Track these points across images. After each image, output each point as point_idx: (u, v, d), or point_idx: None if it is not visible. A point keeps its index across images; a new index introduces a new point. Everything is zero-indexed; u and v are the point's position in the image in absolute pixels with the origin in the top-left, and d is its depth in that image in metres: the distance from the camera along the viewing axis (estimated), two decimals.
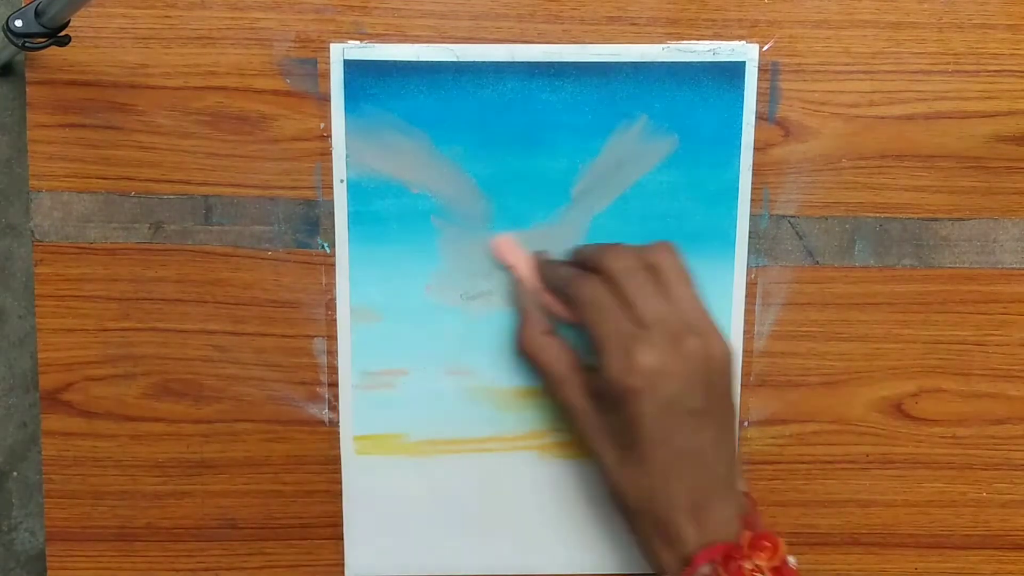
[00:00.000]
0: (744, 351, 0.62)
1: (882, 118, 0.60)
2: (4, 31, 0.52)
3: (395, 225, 0.60)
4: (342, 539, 0.63)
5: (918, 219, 0.61)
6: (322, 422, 0.62)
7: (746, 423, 0.62)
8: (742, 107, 0.59)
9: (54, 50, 0.53)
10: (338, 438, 0.62)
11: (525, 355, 0.58)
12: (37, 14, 0.51)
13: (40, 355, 0.61)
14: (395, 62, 0.59)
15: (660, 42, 0.59)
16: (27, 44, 0.52)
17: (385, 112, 0.59)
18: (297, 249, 0.60)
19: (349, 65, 0.59)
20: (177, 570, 0.63)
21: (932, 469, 0.63)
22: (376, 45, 0.59)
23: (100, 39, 0.58)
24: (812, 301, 0.62)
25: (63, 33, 0.53)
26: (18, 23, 0.52)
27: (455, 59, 0.59)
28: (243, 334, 0.61)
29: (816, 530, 0.64)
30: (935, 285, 0.62)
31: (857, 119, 0.60)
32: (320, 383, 0.62)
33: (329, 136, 0.59)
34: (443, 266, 0.61)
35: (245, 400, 0.62)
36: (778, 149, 0.60)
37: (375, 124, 0.59)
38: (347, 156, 0.59)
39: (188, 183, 0.60)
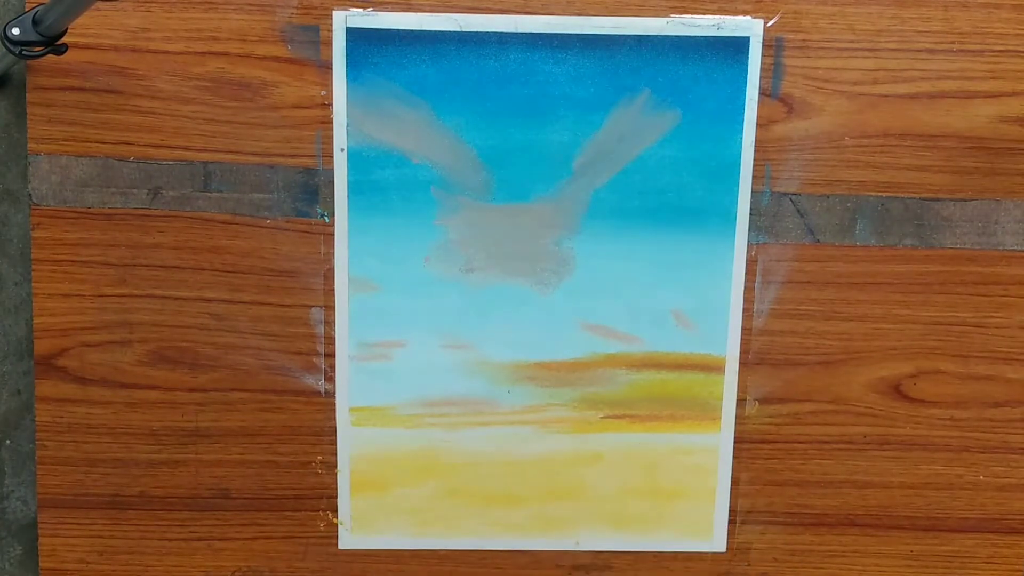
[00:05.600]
0: (743, 329, 0.62)
1: (885, 96, 0.60)
2: (2, 39, 0.51)
3: (395, 195, 0.60)
4: (336, 511, 0.63)
5: (920, 199, 0.61)
6: (318, 393, 0.62)
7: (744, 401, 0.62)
8: (745, 83, 0.59)
9: None
10: (334, 409, 0.62)
11: None
12: (35, 22, 0.51)
13: (36, 320, 0.61)
14: (398, 31, 0.58)
15: (664, 15, 0.59)
16: (24, 52, 0.52)
17: (387, 81, 0.59)
18: (296, 218, 0.60)
19: (351, 33, 0.58)
20: (169, 539, 0.63)
21: (929, 451, 0.63)
22: (379, 13, 0.58)
23: (101, 2, 0.58)
24: (812, 280, 0.61)
25: (60, 41, 0.52)
26: (15, 31, 0.51)
27: (458, 28, 0.58)
28: (240, 302, 0.61)
29: (812, 511, 0.64)
30: (935, 265, 0.61)
31: (860, 97, 0.60)
32: (317, 353, 0.61)
33: (330, 104, 0.59)
34: (443, 238, 0.60)
35: (241, 369, 0.61)
36: (781, 126, 0.60)
37: (377, 93, 0.59)
38: (348, 124, 0.59)
39: (187, 149, 0.59)
